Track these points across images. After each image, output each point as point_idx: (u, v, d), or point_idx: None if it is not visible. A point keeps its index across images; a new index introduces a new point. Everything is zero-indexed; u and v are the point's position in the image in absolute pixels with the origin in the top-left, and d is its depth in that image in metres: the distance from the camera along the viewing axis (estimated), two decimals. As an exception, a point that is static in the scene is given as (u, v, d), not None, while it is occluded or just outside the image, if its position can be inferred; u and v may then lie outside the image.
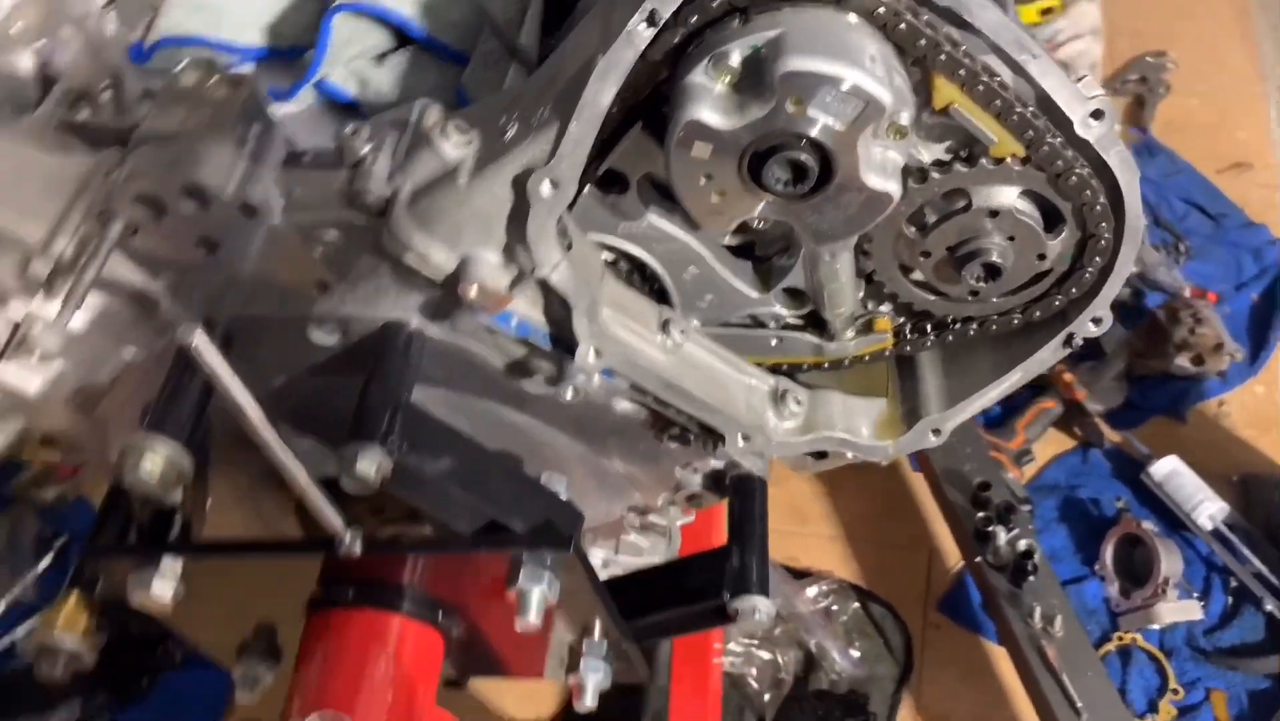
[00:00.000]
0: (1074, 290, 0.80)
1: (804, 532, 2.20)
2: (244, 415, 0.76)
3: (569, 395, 0.86)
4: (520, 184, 0.72)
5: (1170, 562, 1.87)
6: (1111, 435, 2.08)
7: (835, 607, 2.06)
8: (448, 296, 0.82)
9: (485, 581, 0.90)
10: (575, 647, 0.99)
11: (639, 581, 1.05)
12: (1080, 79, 0.70)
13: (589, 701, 0.98)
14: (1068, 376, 2.08)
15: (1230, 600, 1.88)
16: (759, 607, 0.90)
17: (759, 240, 0.85)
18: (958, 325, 0.85)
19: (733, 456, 0.98)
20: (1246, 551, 1.89)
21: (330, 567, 0.94)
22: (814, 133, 0.64)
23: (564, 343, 0.82)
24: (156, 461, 0.78)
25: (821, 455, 0.89)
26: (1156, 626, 1.86)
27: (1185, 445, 2.00)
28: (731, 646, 2.04)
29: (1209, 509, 1.92)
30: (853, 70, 0.61)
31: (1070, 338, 0.82)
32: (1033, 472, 2.11)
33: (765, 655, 2.03)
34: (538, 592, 0.84)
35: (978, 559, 1.80)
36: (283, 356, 0.94)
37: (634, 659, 1.01)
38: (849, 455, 0.88)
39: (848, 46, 0.62)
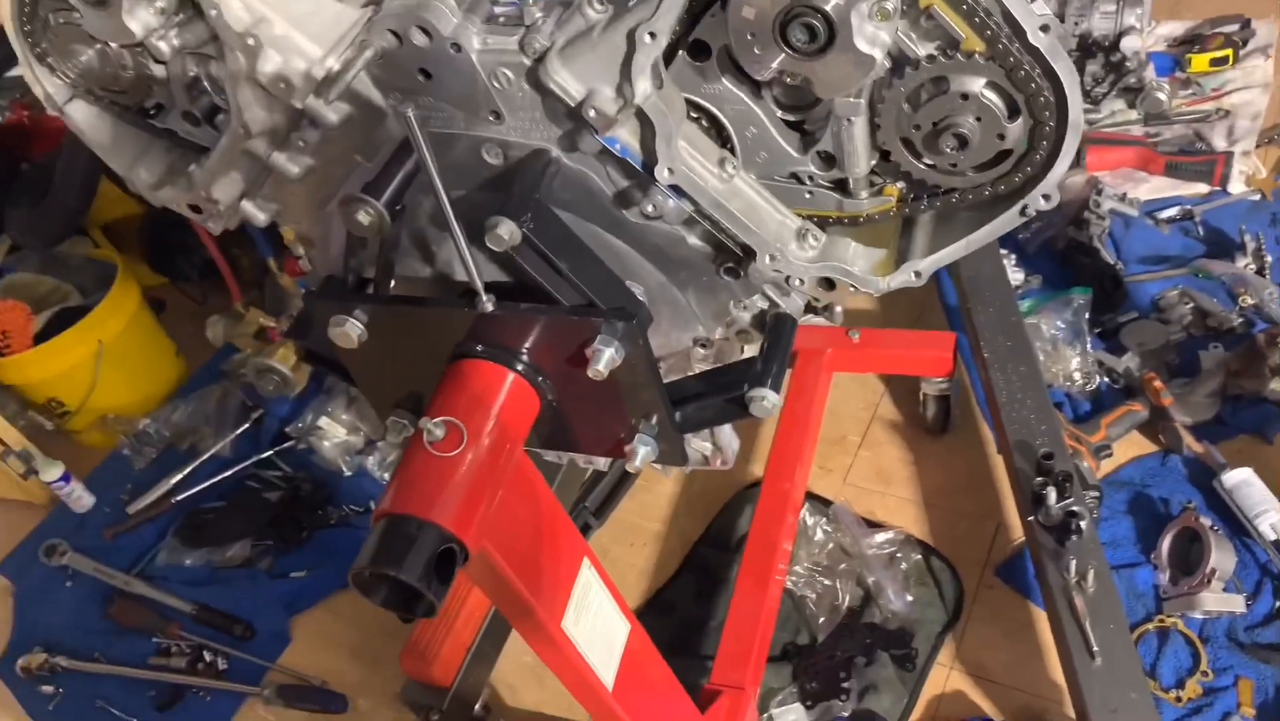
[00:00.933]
0: (1028, 169, 1.05)
1: (886, 493, 2.42)
2: (431, 173, 1.12)
3: (649, 209, 1.19)
4: (632, 36, 1.06)
5: (1222, 557, 1.98)
6: (1194, 445, 2.20)
7: (899, 555, 2.27)
8: (578, 124, 1.17)
9: (573, 348, 1.23)
10: (633, 429, 1.31)
11: (681, 383, 1.35)
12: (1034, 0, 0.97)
13: (637, 464, 1.29)
14: (1158, 384, 2.22)
15: (1278, 605, 1.97)
16: (768, 397, 1.20)
17: (808, 119, 1.15)
18: (945, 194, 1.12)
19: (772, 295, 1.28)
20: (1306, 566, 1.97)
21: (468, 330, 1.29)
22: (826, 6, 0.94)
23: (650, 168, 1.15)
24: (369, 213, 1.16)
25: (830, 285, 1.18)
26: (1198, 614, 1.97)
27: (1264, 464, 2.10)
28: (797, 569, 2.29)
29: (1273, 518, 2.02)
30: (853, -42, 0.92)
31: (1024, 208, 1.07)
32: (1110, 468, 2.25)
33: (826, 582, 2.27)
34: (608, 353, 1.16)
35: (1030, 517, 1.98)
36: (463, 172, 1.31)
37: (674, 441, 1.31)
38: (850, 286, 1.16)
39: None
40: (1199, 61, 2.73)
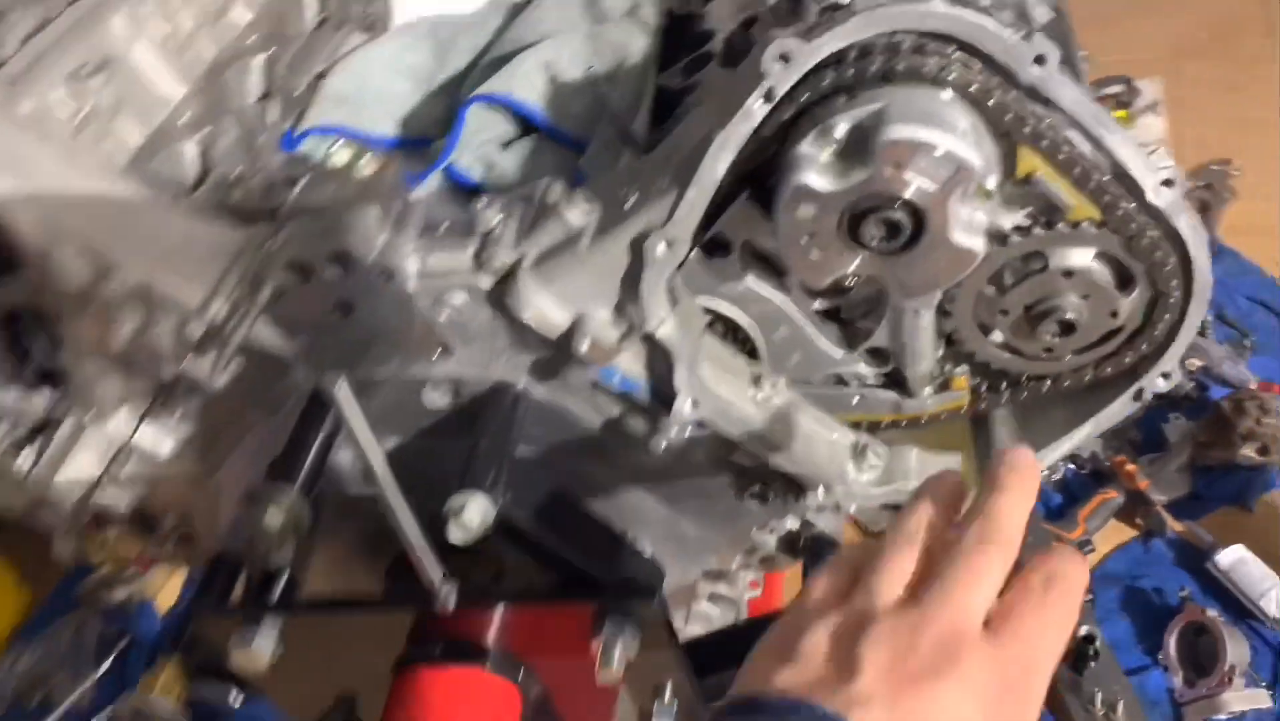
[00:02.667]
0: (1144, 346, 0.85)
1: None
2: (372, 462, 0.83)
3: (661, 446, 0.93)
4: (637, 245, 0.81)
5: (1237, 650, 1.85)
6: (1174, 524, 2.09)
7: None
8: (559, 354, 0.90)
9: (568, 635, 0.95)
10: (645, 710, 1.02)
11: (704, 643, 1.09)
12: (1152, 151, 0.77)
13: (659, 763, 1.01)
14: (1130, 467, 2.11)
15: (1303, 688, 1.85)
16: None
17: (845, 305, 0.92)
18: (1032, 382, 0.90)
19: (809, 516, 1.03)
20: (1317, 642, 1.87)
21: (419, 627, 0.99)
22: (908, 194, 0.72)
23: (662, 396, 0.89)
24: (278, 512, 0.86)
25: (897, 508, 0.94)
26: (1223, 717, 1.83)
27: (1250, 534, 2.00)
28: None
29: (1277, 595, 1.91)
30: (948, 136, 0.69)
31: (1140, 392, 0.87)
32: (1094, 562, 2.11)
33: None
34: (621, 644, 0.88)
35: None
36: (397, 418, 1.02)
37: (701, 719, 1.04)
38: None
39: (944, 118, 0.70)
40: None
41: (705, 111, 0.82)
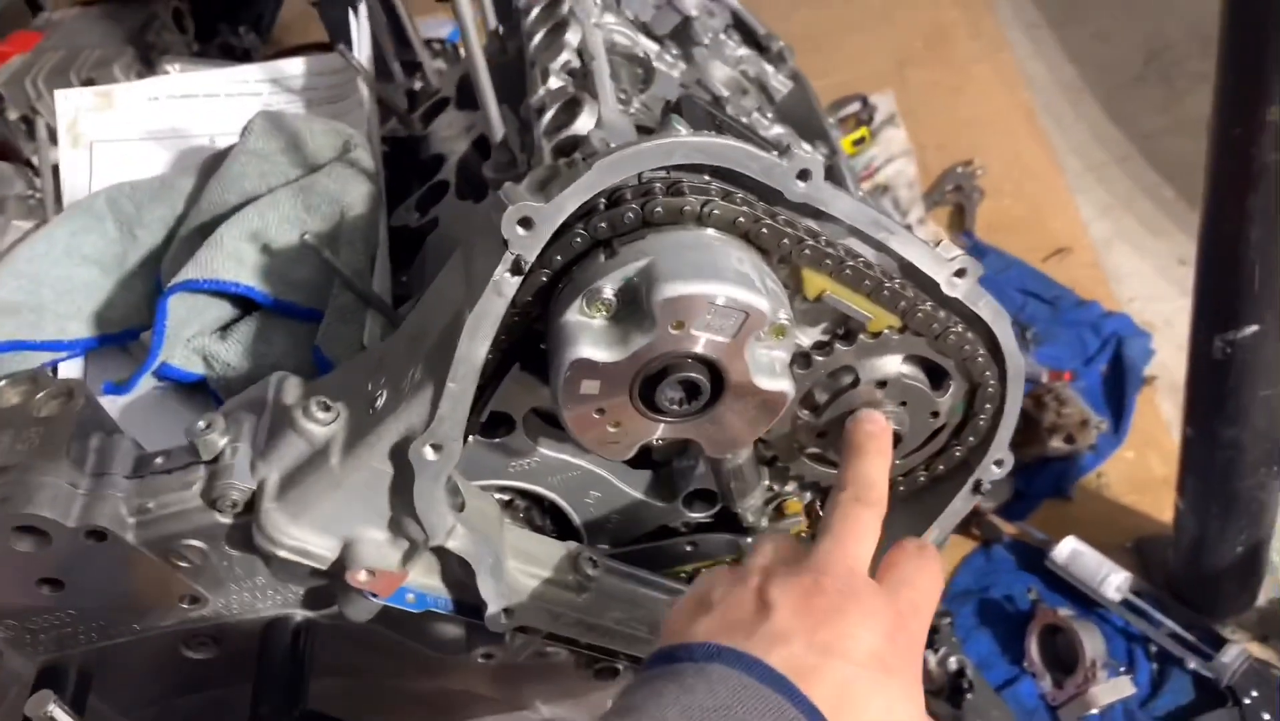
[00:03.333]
0: (971, 438, 0.79)
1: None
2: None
3: (480, 660, 0.79)
4: (399, 453, 0.67)
5: (1093, 643, 1.89)
6: (1008, 528, 2.12)
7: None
8: (335, 582, 0.75)
9: None
10: None
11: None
12: (938, 243, 0.71)
13: None
14: (952, 481, 2.12)
15: (1155, 666, 1.90)
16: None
17: (654, 448, 0.82)
18: (869, 492, 0.83)
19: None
20: (1158, 614, 1.93)
21: None
22: (699, 349, 0.62)
23: (469, 606, 0.76)
24: None
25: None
26: (1096, 711, 1.86)
27: (1078, 523, 2.06)
28: None
29: (1114, 581, 1.96)
30: (725, 285, 0.60)
31: (978, 484, 0.81)
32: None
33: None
34: None
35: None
36: (154, 679, 0.84)
37: None
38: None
39: (716, 263, 0.61)
40: (844, 146, 2.76)
41: (449, 282, 0.69)
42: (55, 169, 1.05)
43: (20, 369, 0.94)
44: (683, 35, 1.02)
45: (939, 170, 2.83)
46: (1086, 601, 1.98)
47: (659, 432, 0.66)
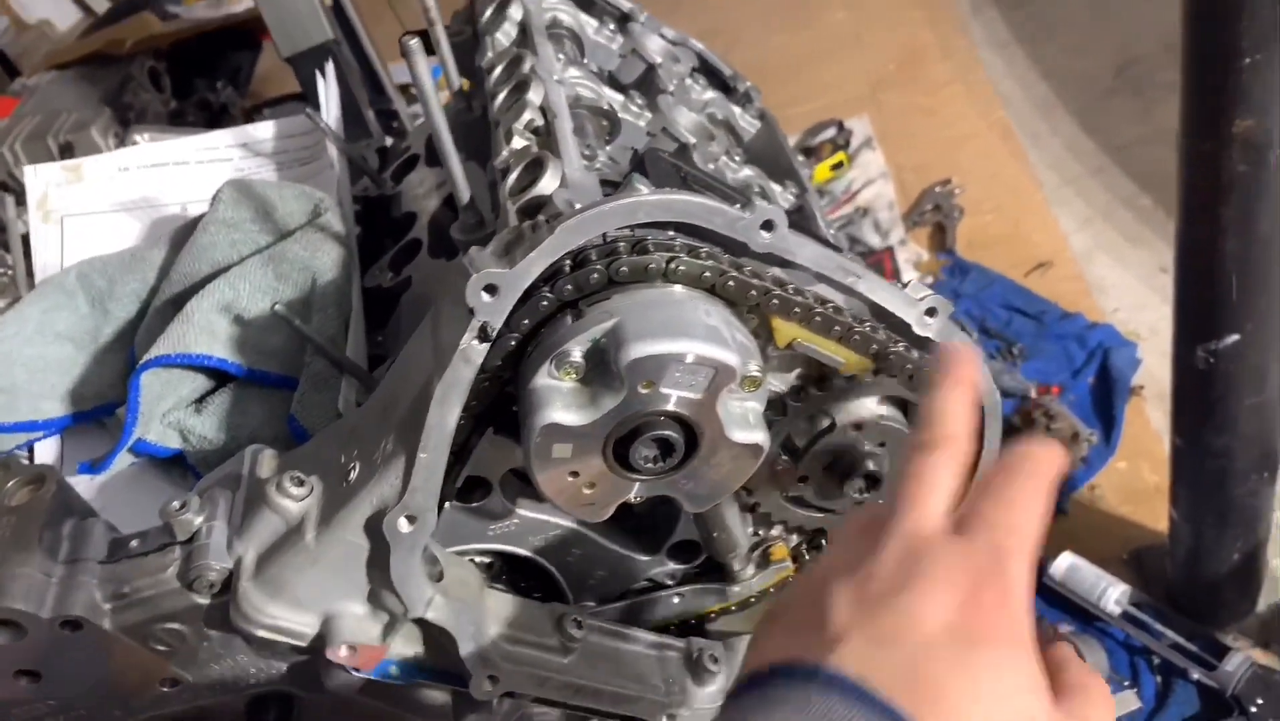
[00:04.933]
0: (956, 474, 0.79)
1: None
2: None
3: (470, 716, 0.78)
4: (374, 526, 0.66)
5: (1095, 659, 1.87)
6: (1003, 546, 2.11)
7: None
8: (317, 657, 0.73)
9: None
10: None
11: None
12: (906, 284, 0.71)
13: None
14: (946, 503, 2.11)
15: (1159, 679, 1.89)
16: None
17: (636, 503, 0.81)
18: (854, 535, 0.82)
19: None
20: (1158, 626, 1.91)
21: None
22: (670, 406, 0.62)
23: (454, 674, 0.75)
24: None
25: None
26: (1104, 730, 1.84)
27: (1073, 537, 2.04)
28: None
29: (1113, 594, 1.95)
30: (693, 343, 0.60)
31: (965, 519, 0.81)
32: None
33: None
34: None
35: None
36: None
37: None
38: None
39: (683, 320, 0.61)
40: (821, 171, 2.77)
41: (418, 350, 0.69)
42: (26, 243, 1.05)
43: (-5, 451, 0.93)
44: (648, 83, 1.02)
45: (918, 190, 2.84)
46: (1086, 616, 1.97)
47: (635, 491, 0.66)
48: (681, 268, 0.63)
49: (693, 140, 0.94)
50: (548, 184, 0.72)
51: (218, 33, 2.77)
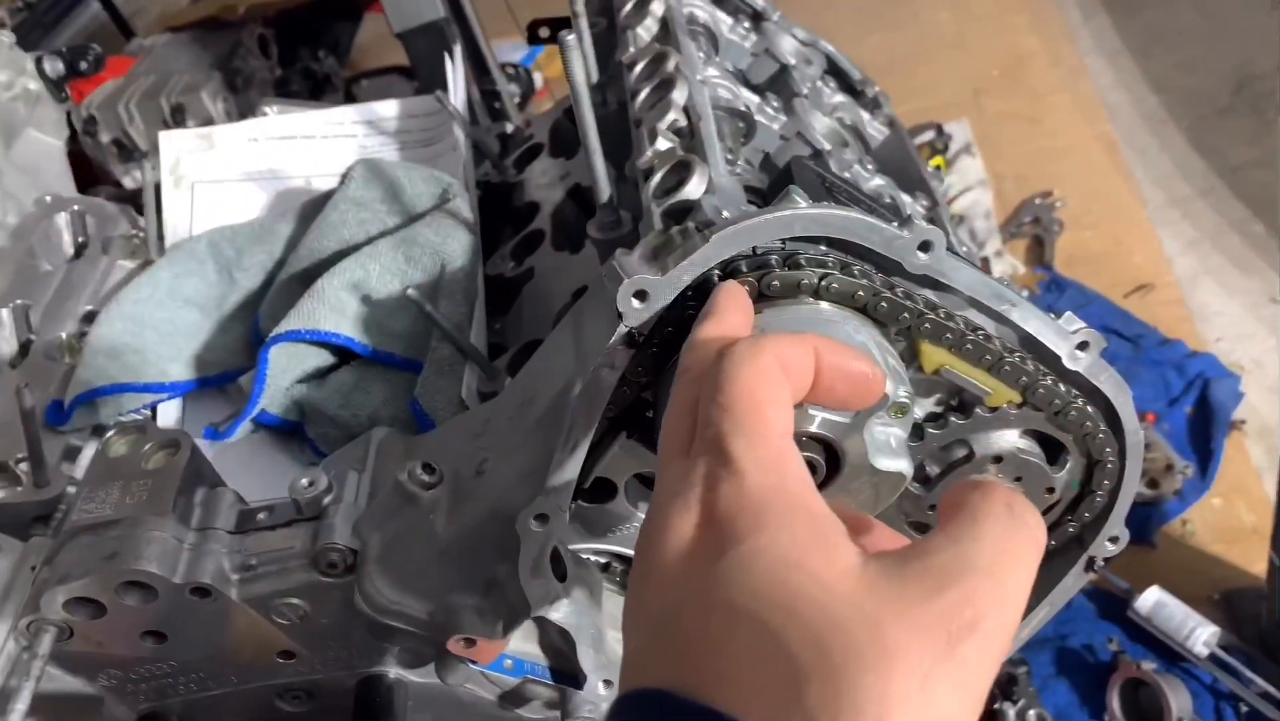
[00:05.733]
0: (1086, 515, 0.76)
1: None
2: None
3: (580, 712, 0.78)
4: (504, 522, 0.66)
5: (1179, 700, 1.82)
6: (1089, 574, 2.06)
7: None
8: (432, 645, 0.74)
9: None
10: None
11: None
12: (1059, 314, 0.69)
13: None
14: (1032, 521, 2.07)
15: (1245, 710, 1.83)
16: None
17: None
18: (975, 565, 0.80)
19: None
20: (1248, 672, 1.85)
21: None
22: (814, 428, 0.60)
23: (566, 674, 0.75)
24: None
25: None
26: (1182, 769, 1.79)
27: (1161, 572, 1.99)
28: None
29: (1202, 635, 1.89)
30: (849, 365, 0.58)
31: (1091, 561, 0.78)
32: (1020, 627, 2.05)
33: None
34: None
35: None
36: (248, 724, 0.84)
37: None
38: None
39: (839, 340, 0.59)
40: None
41: (558, 350, 0.68)
42: (158, 209, 1.07)
43: (120, 410, 0.96)
44: (781, 84, 1.01)
45: (1017, 201, 2.77)
46: (1170, 655, 1.91)
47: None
48: (834, 285, 0.62)
49: (827, 147, 0.92)
50: (694, 188, 0.71)
51: (321, 3, 2.81)
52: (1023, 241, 2.65)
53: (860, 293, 0.62)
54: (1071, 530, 0.78)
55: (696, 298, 0.61)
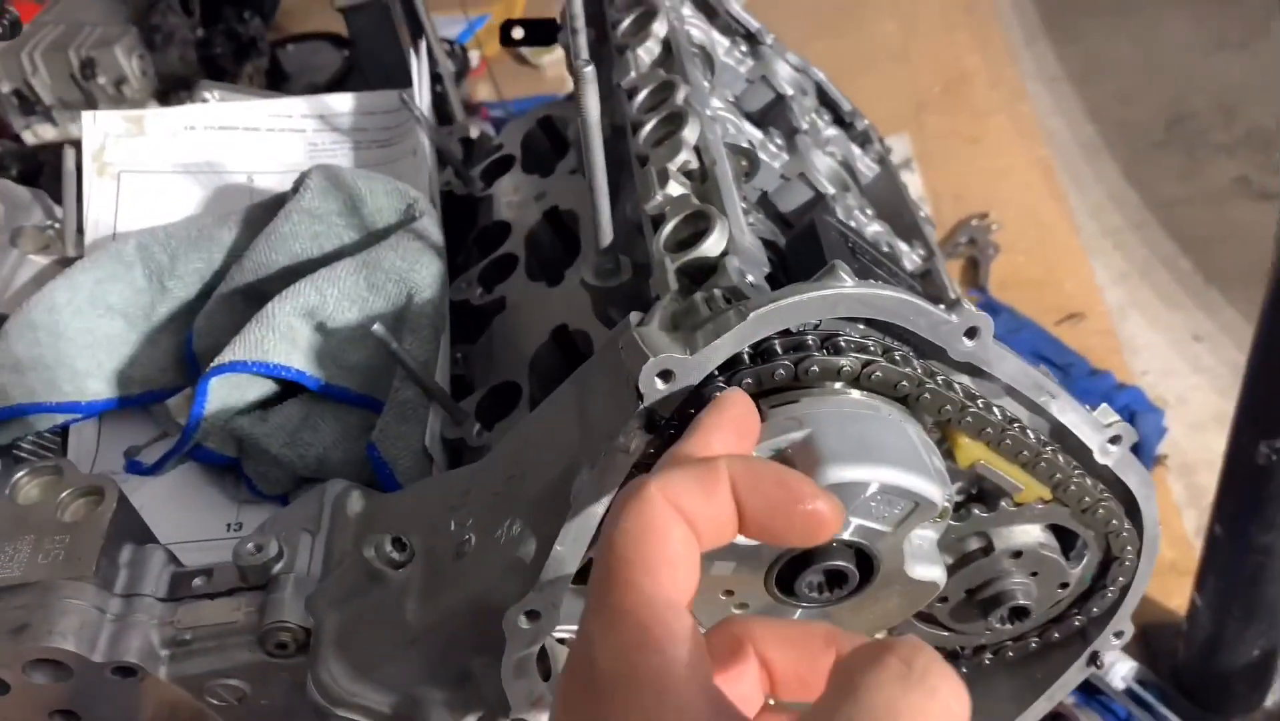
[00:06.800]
0: (1094, 610, 0.73)
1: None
2: None
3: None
4: (487, 614, 0.59)
5: (1094, 735, 1.85)
6: (1010, 605, 2.07)
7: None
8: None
9: None
10: None
11: None
12: (1096, 407, 0.64)
13: None
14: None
15: (1159, 755, 1.87)
16: None
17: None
18: (970, 655, 0.76)
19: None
20: (1162, 708, 1.88)
21: None
22: (849, 535, 0.54)
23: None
24: None
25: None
26: (1101, 807, 1.81)
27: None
28: None
29: (1120, 670, 1.91)
30: (897, 471, 0.52)
31: (1094, 656, 0.75)
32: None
33: None
34: None
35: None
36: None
37: None
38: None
39: (883, 441, 0.53)
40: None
41: (558, 421, 0.61)
42: (79, 199, 0.95)
43: (28, 431, 0.84)
44: (779, 116, 0.94)
45: (954, 220, 2.77)
46: (1089, 688, 1.94)
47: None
48: (878, 374, 0.56)
49: (831, 191, 0.86)
50: (714, 245, 0.64)
51: (244, -39, 2.64)
52: (958, 261, 2.65)
53: (904, 382, 0.56)
54: (1077, 623, 0.74)
55: (730, 382, 0.55)
